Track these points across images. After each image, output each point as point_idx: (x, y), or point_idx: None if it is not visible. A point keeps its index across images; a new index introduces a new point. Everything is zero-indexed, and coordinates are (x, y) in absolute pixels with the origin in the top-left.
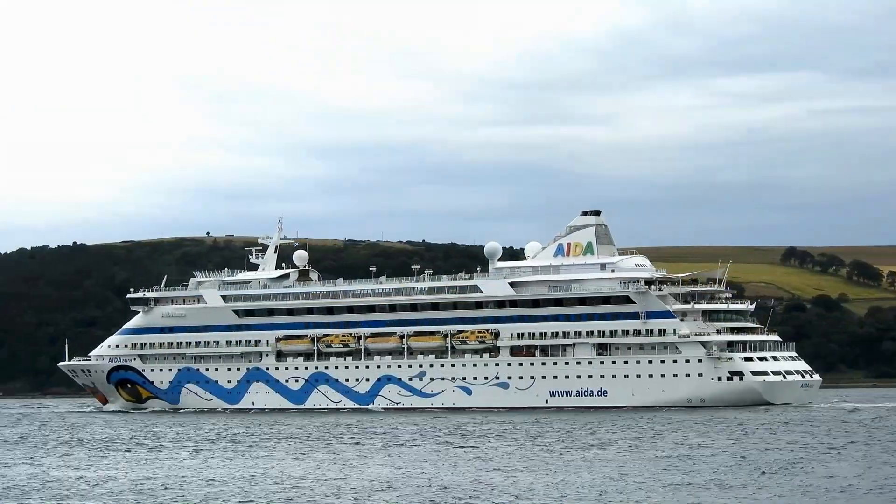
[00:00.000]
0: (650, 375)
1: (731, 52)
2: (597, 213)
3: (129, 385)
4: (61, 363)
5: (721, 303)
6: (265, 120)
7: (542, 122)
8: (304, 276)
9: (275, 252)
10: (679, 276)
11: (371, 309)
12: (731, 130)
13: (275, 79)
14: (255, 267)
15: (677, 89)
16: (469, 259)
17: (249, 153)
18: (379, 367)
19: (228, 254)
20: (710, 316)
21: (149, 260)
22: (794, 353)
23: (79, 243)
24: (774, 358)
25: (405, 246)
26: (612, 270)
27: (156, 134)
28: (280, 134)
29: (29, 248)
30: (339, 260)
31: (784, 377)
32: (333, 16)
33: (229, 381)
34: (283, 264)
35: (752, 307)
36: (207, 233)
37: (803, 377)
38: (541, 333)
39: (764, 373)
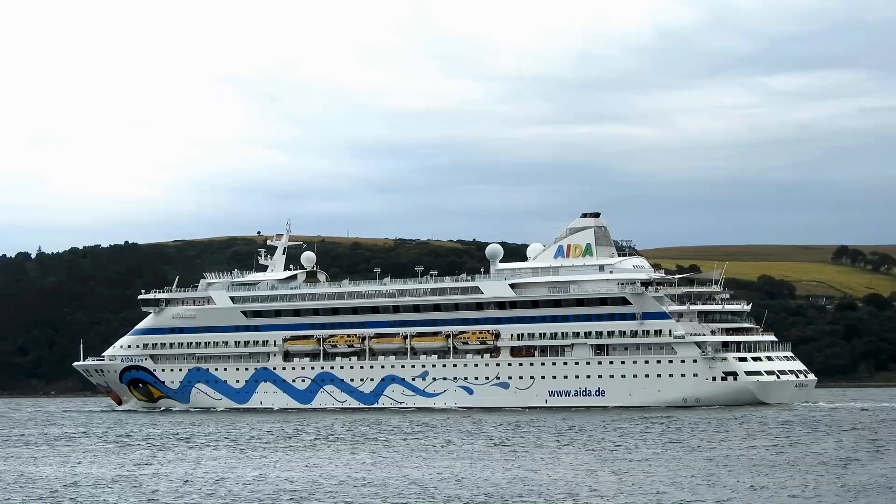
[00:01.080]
0: (647, 375)
1: (779, 50)
2: (596, 215)
3: (140, 385)
4: (76, 363)
5: (717, 304)
6: (314, 119)
7: (589, 121)
8: (311, 277)
9: (283, 253)
10: (675, 277)
11: (375, 310)
12: (779, 129)
13: (324, 78)
14: (263, 268)
15: (724, 88)
16: (519, 259)
17: (298, 152)
18: (383, 367)
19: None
20: (705, 317)
21: (200, 259)
22: (789, 354)
23: (130, 242)
24: (769, 358)
25: (456, 245)
26: (611, 272)
27: (205, 133)
28: (329, 133)
29: (81, 247)
30: (389, 259)
31: (778, 377)
32: (381, 15)
33: (238, 381)
34: (291, 266)
35: (747, 308)
36: (258, 232)
37: (797, 377)
38: (540, 334)
39: (758, 373)
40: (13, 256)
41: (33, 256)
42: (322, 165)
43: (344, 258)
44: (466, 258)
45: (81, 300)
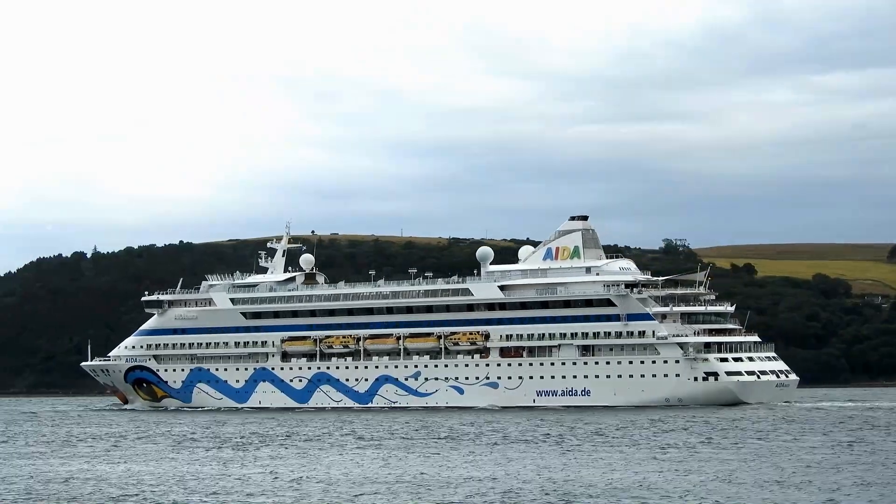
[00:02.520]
0: (631, 376)
1: (829, 47)
2: (584, 218)
3: (145, 385)
4: (83, 363)
5: (700, 305)
6: (365, 118)
7: (639, 120)
8: (310, 279)
9: (283, 256)
10: (659, 279)
11: (370, 311)
12: (831, 126)
13: (372, 77)
14: (264, 270)
15: (775, 86)
16: None
17: (347, 151)
18: (377, 367)
19: (333, 252)
20: (688, 318)
21: (254, 258)
22: (772, 354)
23: (185, 242)
24: (750, 359)
25: (510, 244)
26: (597, 274)
27: (254, 132)
28: (378, 132)
29: (136, 246)
30: (442, 258)
31: (758, 377)
32: (429, 14)
33: (238, 381)
34: (290, 268)
35: (731, 309)
36: (312, 231)
37: (778, 377)
38: (528, 335)
39: (738, 373)
40: (69, 256)
41: (89, 256)
42: (371, 164)
43: (398, 257)
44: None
45: (136, 300)
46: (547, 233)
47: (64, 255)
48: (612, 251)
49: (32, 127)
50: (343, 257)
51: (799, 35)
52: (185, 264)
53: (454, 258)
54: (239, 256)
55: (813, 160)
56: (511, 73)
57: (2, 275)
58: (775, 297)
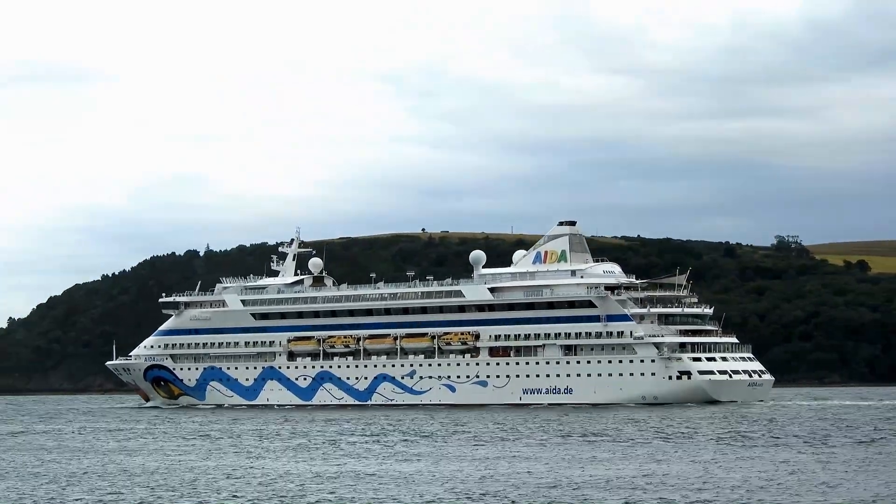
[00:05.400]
0: (609, 375)
1: None
2: (572, 224)
3: (162, 383)
4: (108, 362)
5: (677, 307)
6: (468, 116)
7: (744, 116)
8: (318, 281)
9: (293, 259)
10: (639, 282)
11: (369, 312)
12: None
13: (477, 74)
14: (275, 273)
15: (878, 80)
16: (684, 254)
17: (453, 149)
18: (376, 366)
19: (443, 250)
20: (666, 319)
21: (364, 256)
22: (748, 355)
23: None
24: (724, 358)
25: (620, 241)
26: (581, 277)
27: (360, 130)
28: (483, 130)
29: (248, 245)
30: None
31: (730, 376)
32: (533, 11)
33: (247, 379)
34: (299, 271)
35: (709, 311)
36: (423, 229)
37: (751, 377)
38: (515, 335)
39: (710, 372)
40: (182, 254)
41: (202, 254)
42: (477, 162)
43: (509, 254)
44: (630, 254)
45: None
46: (652, 230)
47: (177, 254)
48: (724, 250)
49: (146, 127)
50: (453, 255)
51: None
52: (297, 262)
53: None
54: (350, 255)
55: None
56: (613, 69)
57: (116, 273)
58: (889, 293)
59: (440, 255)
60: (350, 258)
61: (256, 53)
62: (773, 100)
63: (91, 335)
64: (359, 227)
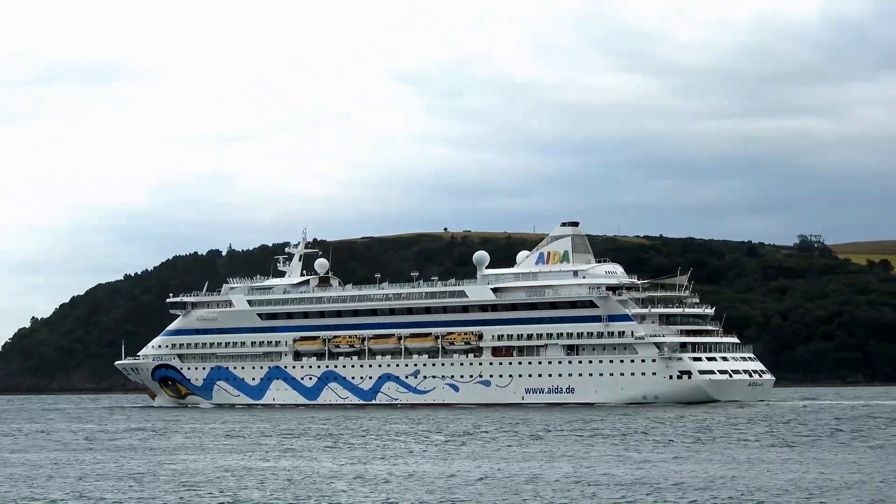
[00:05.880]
0: (611, 374)
1: None
2: (575, 224)
3: (170, 382)
4: (117, 362)
5: (679, 307)
6: (492, 115)
7: (770, 115)
8: (324, 282)
9: (299, 260)
10: (641, 282)
11: (374, 312)
12: None
13: (501, 73)
14: (282, 274)
15: None
16: (706, 254)
17: (477, 149)
18: (380, 366)
19: (465, 249)
20: (667, 319)
21: (387, 256)
22: (749, 355)
23: (319, 239)
24: (724, 358)
25: (642, 241)
26: (584, 277)
27: (383, 130)
28: (507, 129)
29: (270, 244)
30: None
31: (730, 376)
32: (557, 10)
33: (253, 379)
34: (305, 272)
35: (710, 311)
36: (445, 228)
37: (751, 376)
38: (517, 335)
39: (711, 372)
40: (204, 254)
41: (224, 254)
42: (499, 161)
43: None
44: (652, 254)
45: None
46: (683, 229)
47: (199, 254)
48: (747, 249)
49: (168, 126)
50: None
51: None
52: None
53: None
54: (373, 255)
55: None
56: (637, 68)
57: (139, 273)
58: None
59: (462, 255)
60: (373, 258)
61: (279, 53)
62: (795, 99)
63: (113, 335)
64: (382, 227)
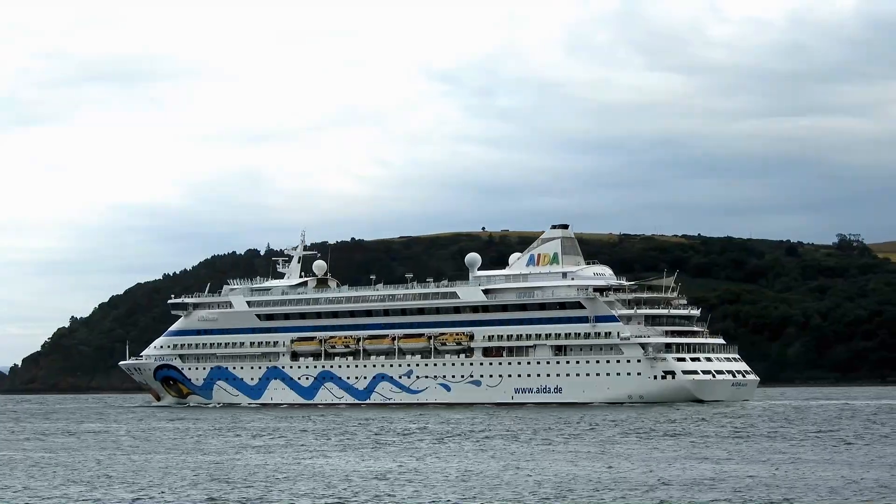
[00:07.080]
0: (598, 374)
1: None
2: (565, 227)
3: (172, 382)
4: (121, 362)
5: (665, 308)
6: (529, 114)
7: (805, 114)
8: (322, 283)
9: (298, 262)
10: (628, 284)
11: (369, 313)
12: None
13: (534, 72)
14: (281, 275)
15: None
16: (745, 253)
17: (511, 148)
18: (375, 366)
19: (503, 248)
20: (652, 320)
21: (426, 255)
22: (734, 355)
23: (357, 239)
24: (708, 359)
25: (681, 240)
26: (572, 279)
27: (417, 129)
28: (541, 128)
29: (309, 244)
30: (614, 254)
31: (714, 376)
32: (589, 9)
33: (252, 379)
34: (303, 273)
35: (696, 312)
36: (483, 227)
37: (734, 377)
38: (507, 336)
39: (694, 372)
40: (242, 254)
41: (262, 253)
42: (536, 161)
43: None
44: (691, 253)
45: None
46: (721, 228)
47: (237, 253)
48: (784, 249)
49: (209, 127)
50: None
51: None
52: (357, 261)
53: (625, 255)
54: (412, 254)
55: None
56: (671, 67)
57: (178, 272)
58: None
59: (500, 254)
60: (411, 257)
61: (317, 53)
62: (832, 97)
63: (152, 334)
64: (419, 227)
